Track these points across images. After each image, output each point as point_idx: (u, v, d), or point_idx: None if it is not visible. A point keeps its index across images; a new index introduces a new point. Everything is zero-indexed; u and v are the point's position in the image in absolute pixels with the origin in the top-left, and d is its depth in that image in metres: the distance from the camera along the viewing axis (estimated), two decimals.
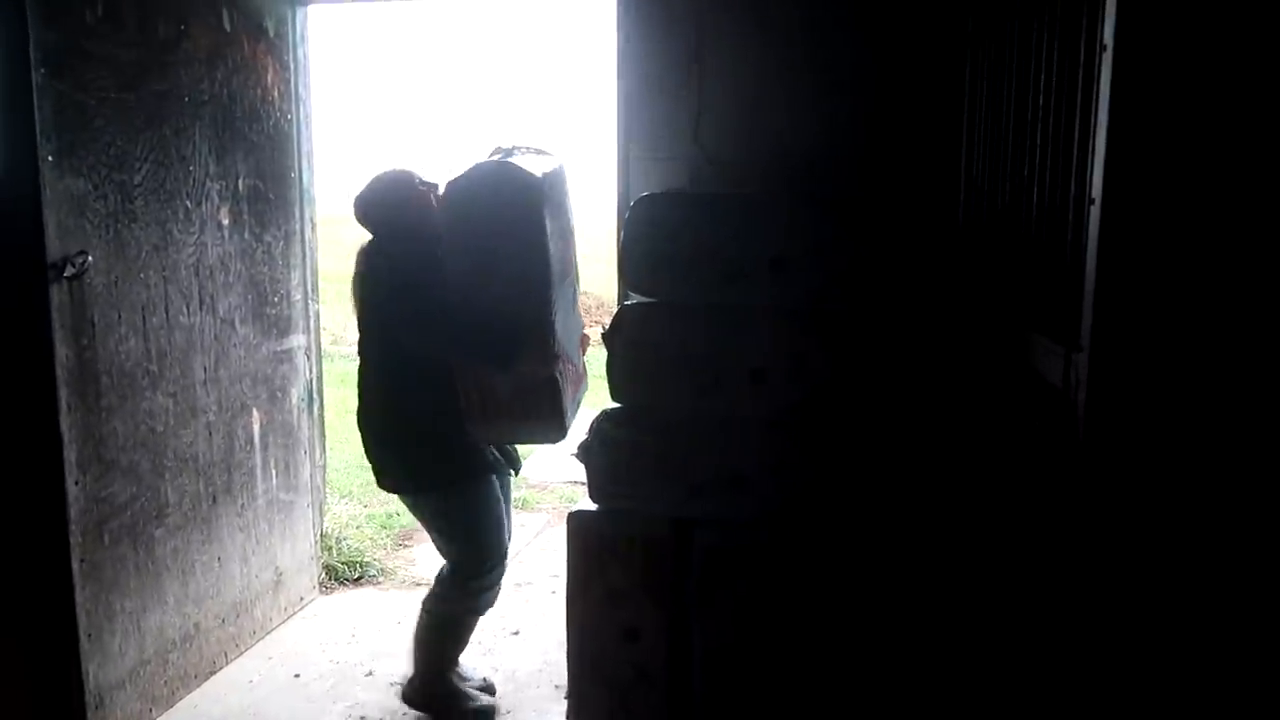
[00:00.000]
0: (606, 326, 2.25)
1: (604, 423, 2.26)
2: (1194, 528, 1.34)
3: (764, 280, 2.14)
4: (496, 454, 2.67)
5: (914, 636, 2.06)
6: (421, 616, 2.71)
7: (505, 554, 2.70)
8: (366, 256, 2.58)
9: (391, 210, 2.56)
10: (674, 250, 2.18)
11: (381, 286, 2.50)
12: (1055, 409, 1.48)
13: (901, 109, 2.61)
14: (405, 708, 2.81)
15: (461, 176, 2.40)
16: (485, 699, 2.79)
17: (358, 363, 2.66)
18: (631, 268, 2.24)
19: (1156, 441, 1.34)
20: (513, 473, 2.79)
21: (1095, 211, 1.31)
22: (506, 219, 2.35)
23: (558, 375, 2.46)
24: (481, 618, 2.74)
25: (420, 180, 2.59)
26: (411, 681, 2.76)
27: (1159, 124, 1.27)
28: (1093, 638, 1.39)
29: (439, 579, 2.69)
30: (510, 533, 2.78)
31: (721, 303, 2.17)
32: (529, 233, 2.36)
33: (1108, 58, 1.28)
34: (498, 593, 2.71)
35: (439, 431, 2.54)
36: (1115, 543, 1.37)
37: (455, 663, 2.77)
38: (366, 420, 2.64)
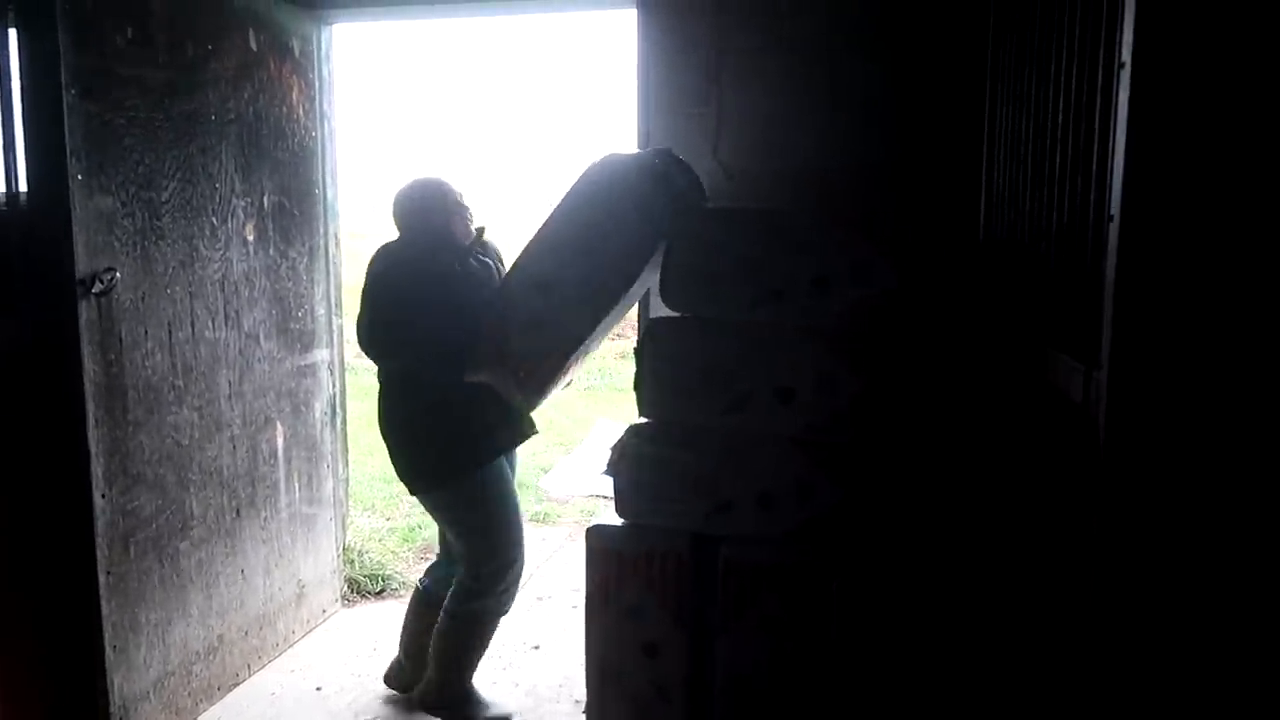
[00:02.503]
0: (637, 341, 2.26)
1: (632, 438, 2.26)
2: (1214, 542, 1.32)
3: (804, 299, 2.13)
4: (508, 430, 2.69)
5: (941, 657, 2.05)
6: (441, 620, 2.73)
7: (522, 546, 2.71)
8: (388, 258, 2.64)
9: (420, 216, 2.64)
10: (716, 266, 2.18)
11: (392, 289, 2.57)
12: (1076, 426, 1.47)
13: (920, 126, 2.61)
14: (429, 718, 2.82)
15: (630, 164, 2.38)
16: (503, 709, 2.79)
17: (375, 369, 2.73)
18: (671, 282, 2.24)
19: (1177, 458, 1.33)
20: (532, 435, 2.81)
21: (1114, 228, 1.30)
22: (632, 235, 2.32)
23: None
24: (500, 621, 2.75)
25: (457, 198, 2.67)
26: (429, 682, 2.76)
27: (1177, 141, 1.26)
28: (1119, 656, 1.38)
29: (457, 583, 2.71)
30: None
31: (762, 320, 2.16)
32: (634, 258, 2.33)
33: (1125, 75, 1.28)
34: (515, 593, 2.73)
35: (441, 425, 2.59)
36: (1137, 557, 1.35)
37: (475, 668, 2.78)
38: (382, 423, 2.70)
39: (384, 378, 2.68)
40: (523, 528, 2.74)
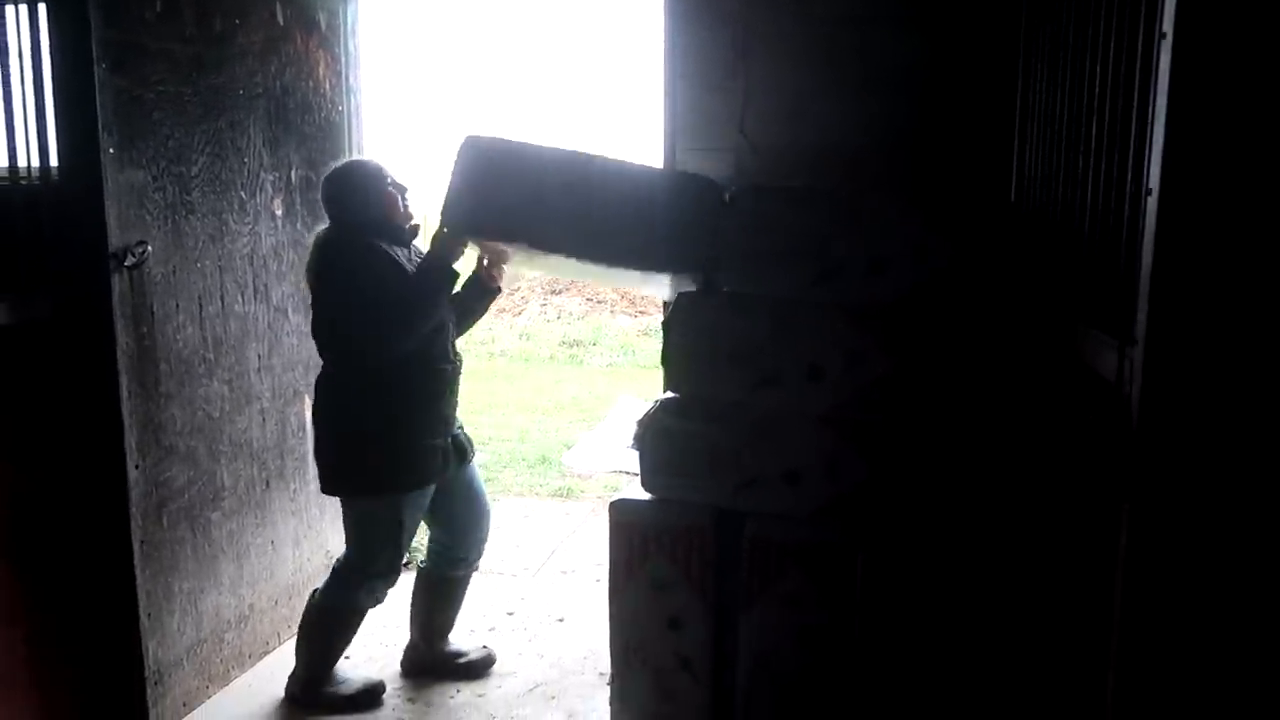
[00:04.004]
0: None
1: (659, 413, 2.26)
2: (1249, 524, 1.31)
3: (860, 279, 2.11)
4: (445, 451, 2.66)
5: (966, 635, 2.04)
6: (308, 610, 2.74)
7: (398, 571, 2.72)
8: (321, 250, 2.57)
9: (353, 200, 2.57)
10: (768, 245, 2.16)
11: (336, 283, 2.51)
12: (1108, 404, 1.46)
13: (951, 101, 2.57)
14: (452, 690, 2.86)
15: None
16: (365, 677, 2.83)
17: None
18: (729, 261, 2.21)
19: (1212, 437, 1.31)
20: (469, 460, 2.80)
21: (1153, 203, 1.28)
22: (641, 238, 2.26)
23: None
24: (367, 613, 2.75)
25: (392, 180, 2.61)
26: (295, 676, 2.78)
27: (1219, 113, 1.24)
28: (1147, 639, 1.37)
29: (332, 570, 2.74)
30: (487, 512, 2.88)
31: (818, 299, 2.14)
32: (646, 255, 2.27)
33: (1167, 46, 1.25)
34: (382, 598, 2.74)
35: (382, 437, 2.54)
36: (1168, 537, 1.34)
37: (339, 657, 2.79)
38: (329, 416, 2.63)
39: (332, 374, 2.61)
40: (404, 554, 2.74)
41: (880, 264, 2.11)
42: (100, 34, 2.30)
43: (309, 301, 2.62)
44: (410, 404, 2.56)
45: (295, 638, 2.78)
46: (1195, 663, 1.35)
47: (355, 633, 2.77)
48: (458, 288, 2.62)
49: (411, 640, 2.96)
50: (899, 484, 2.10)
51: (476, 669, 2.95)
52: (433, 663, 2.93)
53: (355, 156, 2.70)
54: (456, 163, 2.24)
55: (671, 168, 2.69)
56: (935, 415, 2.09)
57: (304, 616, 2.75)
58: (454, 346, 2.70)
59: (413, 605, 2.94)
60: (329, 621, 2.72)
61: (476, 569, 2.96)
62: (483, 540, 2.90)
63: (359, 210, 2.56)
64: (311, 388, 3.14)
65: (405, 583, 2.88)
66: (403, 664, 2.97)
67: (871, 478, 2.11)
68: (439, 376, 2.62)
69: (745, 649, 2.23)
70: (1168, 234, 1.26)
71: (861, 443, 2.12)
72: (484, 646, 3.02)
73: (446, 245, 2.44)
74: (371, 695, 2.78)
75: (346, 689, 2.77)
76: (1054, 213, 1.97)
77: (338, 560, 2.74)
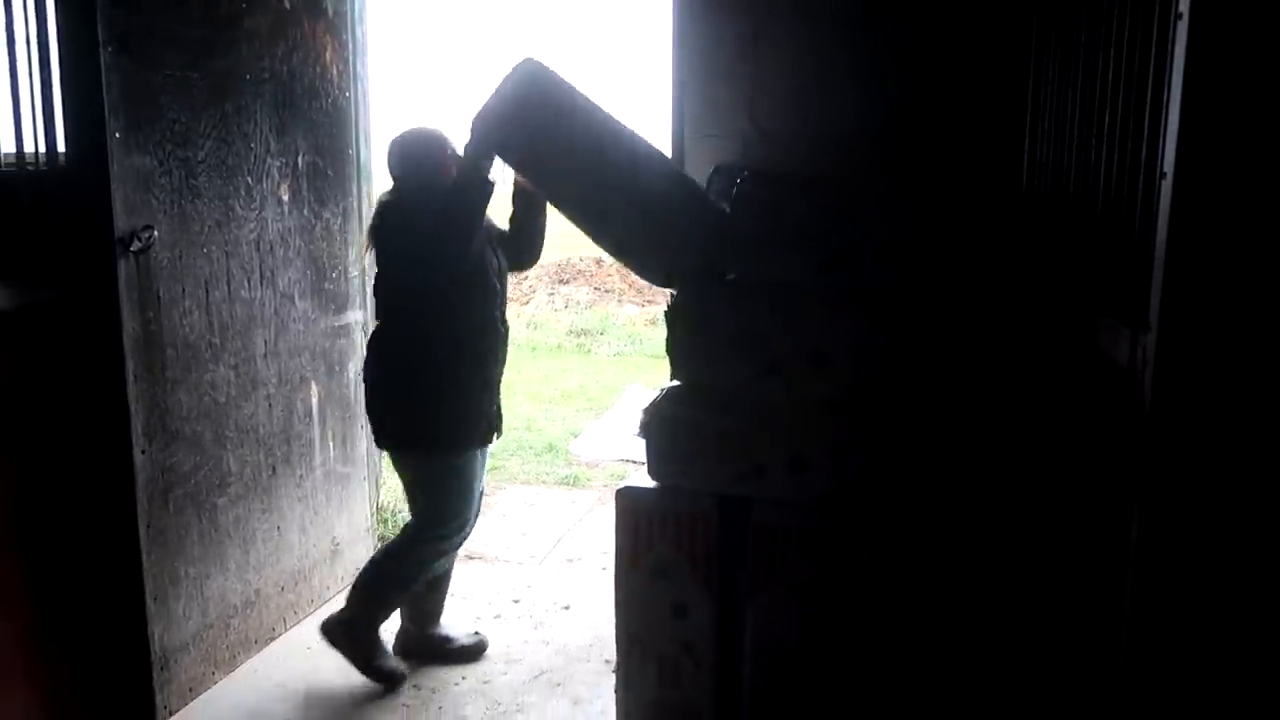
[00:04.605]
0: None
1: (664, 401, 2.25)
2: (1263, 513, 1.29)
3: (868, 267, 2.10)
4: (500, 414, 2.78)
5: (973, 624, 2.03)
6: (370, 562, 2.82)
7: (470, 526, 2.81)
8: (384, 210, 2.70)
9: (417, 164, 2.66)
10: (777, 232, 2.15)
11: (396, 232, 2.63)
12: (1120, 390, 1.44)
13: (962, 84, 2.54)
14: (458, 677, 2.86)
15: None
16: (399, 664, 2.85)
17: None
18: (735, 249, 2.20)
19: (1226, 426, 1.29)
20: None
21: (1167, 186, 1.26)
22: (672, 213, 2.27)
23: None
24: (427, 579, 2.82)
25: (452, 149, 2.66)
26: (340, 617, 2.79)
27: (1235, 95, 1.21)
28: (1158, 630, 1.36)
29: (402, 531, 2.81)
30: (483, 494, 2.91)
31: (824, 286, 2.14)
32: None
33: (1183, 26, 1.23)
34: (453, 559, 2.86)
35: (456, 396, 2.64)
36: (1181, 526, 1.33)
37: (388, 615, 2.84)
38: (381, 376, 2.71)
39: (404, 334, 2.67)
40: (477, 503, 2.82)
41: (888, 251, 2.09)
42: (106, 17, 2.29)
43: (371, 265, 2.75)
44: (476, 364, 2.68)
45: (350, 587, 2.83)
46: (1206, 654, 1.34)
47: (409, 592, 2.82)
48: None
49: (402, 625, 2.96)
50: (905, 472, 2.08)
51: (470, 654, 2.96)
52: (424, 647, 2.95)
53: (420, 125, 2.74)
54: (507, 78, 2.22)
55: (680, 158, 2.67)
56: (941, 402, 2.07)
57: (367, 567, 2.82)
58: (504, 313, 2.80)
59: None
60: (393, 570, 2.77)
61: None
62: (473, 523, 2.90)
63: (422, 174, 2.65)
64: (318, 374, 3.16)
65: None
66: (394, 648, 2.97)
67: (877, 465, 2.10)
68: (498, 340, 2.75)
69: (751, 636, 2.22)
70: (1182, 219, 1.24)
71: (867, 430, 2.10)
72: (476, 633, 3.03)
73: (473, 156, 2.47)
74: (392, 679, 2.80)
75: (379, 656, 2.80)
76: (1066, 198, 1.94)
77: (409, 525, 2.80)
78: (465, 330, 2.65)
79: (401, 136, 2.70)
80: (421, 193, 2.61)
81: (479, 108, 2.26)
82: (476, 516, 2.86)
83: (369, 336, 2.78)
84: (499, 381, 2.78)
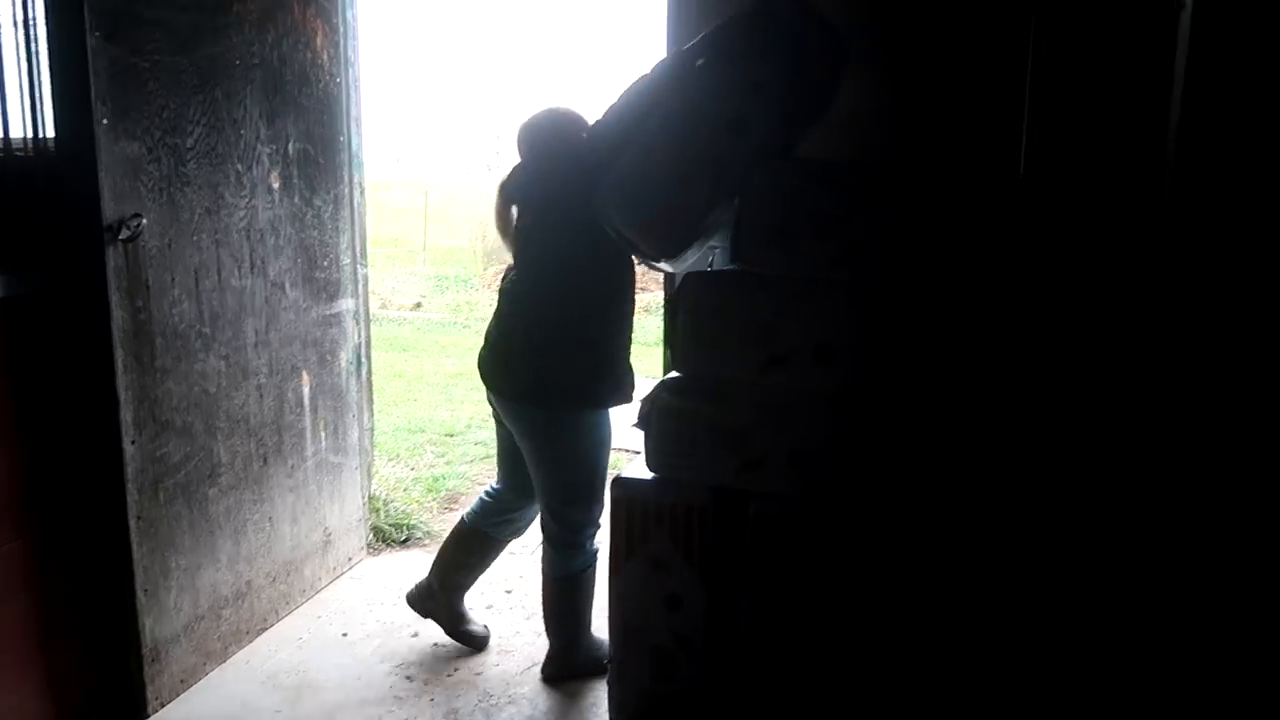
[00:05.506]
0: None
1: (664, 392, 2.24)
2: (1243, 507, 1.29)
3: (881, 258, 2.09)
4: (629, 386, 2.66)
5: (970, 620, 2.03)
6: (547, 587, 2.74)
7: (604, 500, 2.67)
8: (527, 188, 2.62)
9: (559, 144, 2.57)
10: (792, 222, 2.13)
11: (556, 207, 2.54)
12: (1110, 389, 1.44)
13: (961, 70, 2.53)
14: (449, 668, 2.86)
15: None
16: (601, 646, 2.78)
17: (511, 277, 2.69)
18: (746, 240, 2.19)
19: (1212, 424, 1.29)
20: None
21: (1169, 178, 1.25)
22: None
23: None
24: (595, 567, 2.73)
25: (585, 128, 2.57)
26: (554, 655, 2.79)
27: (1236, 82, 1.20)
28: (1140, 638, 1.36)
29: (544, 547, 2.72)
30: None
31: (836, 279, 2.11)
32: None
33: (1185, 16, 1.22)
34: (598, 533, 2.70)
35: (603, 352, 2.56)
36: (1174, 526, 1.33)
37: (590, 619, 2.79)
38: (527, 326, 2.59)
39: (553, 290, 2.57)
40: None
41: (900, 243, 2.07)
42: (94, 2, 2.25)
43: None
44: (626, 325, 2.61)
45: (545, 617, 2.78)
46: (1188, 647, 1.34)
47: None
48: None
49: (428, 583, 2.95)
50: (905, 466, 2.08)
51: (474, 641, 2.95)
52: (437, 612, 2.93)
53: (554, 106, 2.66)
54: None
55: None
56: (944, 397, 2.06)
57: (549, 592, 2.73)
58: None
59: (441, 553, 2.93)
60: (579, 581, 2.71)
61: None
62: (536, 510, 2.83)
63: (570, 149, 2.56)
64: (310, 363, 3.14)
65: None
66: (408, 596, 2.97)
67: (877, 459, 2.09)
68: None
69: (747, 628, 2.22)
70: (1183, 206, 1.23)
71: (869, 424, 2.09)
72: (484, 625, 3.02)
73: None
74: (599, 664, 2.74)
75: (600, 651, 2.75)
76: (1066, 189, 1.93)
77: (554, 520, 2.67)
78: (629, 295, 2.62)
79: (538, 116, 2.62)
80: (560, 173, 2.53)
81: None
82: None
83: (509, 294, 2.66)
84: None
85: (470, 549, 2.89)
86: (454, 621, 2.95)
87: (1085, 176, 1.74)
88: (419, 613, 2.98)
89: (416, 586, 2.99)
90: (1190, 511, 1.32)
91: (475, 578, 2.96)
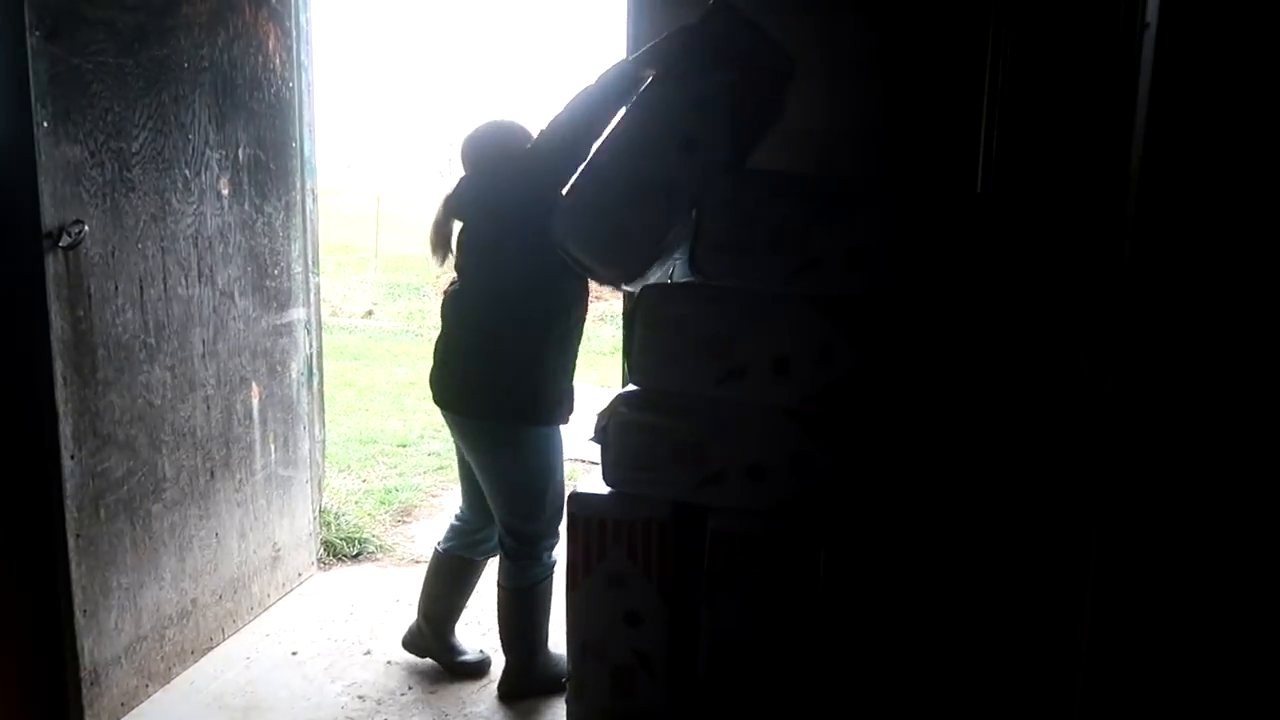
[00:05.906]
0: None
1: (621, 405, 2.22)
2: (1221, 520, 1.30)
3: (839, 271, 2.08)
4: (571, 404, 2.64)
5: (928, 631, 2.03)
6: (501, 600, 2.69)
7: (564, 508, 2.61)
8: (470, 201, 2.57)
9: (502, 157, 2.53)
10: (750, 236, 2.11)
11: (500, 220, 2.49)
12: (1082, 400, 1.44)
13: (920, 88, 2.55)
14: (403, 687, 2.79)
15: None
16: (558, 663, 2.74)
17: (453, 290, 2.63)
18: (705, 251, 2.17)
19: (1188, 435, 1.30)
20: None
21: (1133, 194, 1.26)
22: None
23: None
24: (552, 578, 2.68)
25: (529, 140, 2.53)
26: (510, 670, 2.73)
27: (1201, 105, 1.22)
28: (1117, 636, 1.36)
29: (501, 557, 2.67)
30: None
31: (794, 292, 2.10)
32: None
33: (1149, 36, 1.23)
34: (556, 545, 2.67)
35: (549, 368, 2.51)
36: (1140, 535, 1.33)
37: (547, 636, 2.74)
38: (471, 340, 2.56)
39: (497, 303, 2.53)
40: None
41: (859, 256, 2.07)
42: (35, 1, 2.17)
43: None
44: (570, 343, 2.59)
45: (500, 631, 2.73)
46: (1164, 663, 1.35)
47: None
48: None
49: (417, 623, 2.88)
50: (864, 480, 2.08)
51: (476, 671, 2.87)
52: (431, 649, 2.87)
53: (507, 120, 2.62)
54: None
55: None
56: (903, 411, 2.07)
57: (505, 605, 2.68)
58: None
59: (423, 587, 2.86)
60: (534, 593, 2.66)
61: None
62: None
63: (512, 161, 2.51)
64: (259, 374, 3.06)
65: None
66: (403, 641, 2.90)
67: (835, 472, 2.09)
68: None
69: (706, 644, 2.20)
70: (1147, 227, 1.24)
71: (827, 438, 2.09)
72: (481, 650, 2.93)
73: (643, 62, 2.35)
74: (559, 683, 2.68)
75: (558, 667, 2.69)
76: (1027, 203, 1.95)
77: (509, 535, 2.62)
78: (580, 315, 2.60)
79: (486, 129, 2.59)
80: (506, 188, 2.49)
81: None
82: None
83: (455, 304, 2.60)
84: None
85: (446, 576, 2.82)
86: (448, 654, 2.86)
87: (1047, 195, 1.75)
88: (415, 654, 2.89)
89: (409, 629, 2.91)
90: (1151, 518, 1.32)
91: (461, 605, 2.88)
